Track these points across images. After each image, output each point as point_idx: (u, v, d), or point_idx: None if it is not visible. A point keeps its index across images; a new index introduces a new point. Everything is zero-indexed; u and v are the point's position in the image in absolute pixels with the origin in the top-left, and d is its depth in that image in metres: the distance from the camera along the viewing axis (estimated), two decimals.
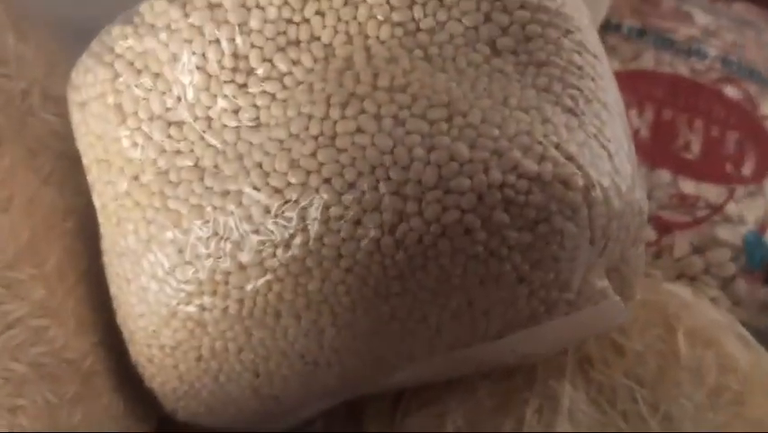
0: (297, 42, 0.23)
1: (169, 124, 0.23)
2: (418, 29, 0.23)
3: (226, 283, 0.23)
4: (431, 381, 0.29)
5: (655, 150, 0.37)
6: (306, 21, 0.23)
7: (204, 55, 0.23)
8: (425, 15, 0.23)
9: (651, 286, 0.32)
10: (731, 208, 0.37)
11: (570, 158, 0.21)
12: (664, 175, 0.37)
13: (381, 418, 0.31)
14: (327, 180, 0.22)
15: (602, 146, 0.22)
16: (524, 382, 0.29)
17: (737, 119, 0.38)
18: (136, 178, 0.24)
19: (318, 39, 0.23)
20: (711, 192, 0.37)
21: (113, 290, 0.26)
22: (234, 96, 0.23)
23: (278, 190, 0.22)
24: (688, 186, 0.37)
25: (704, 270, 0.37)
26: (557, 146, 0.21)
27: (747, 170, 0.37)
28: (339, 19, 0.23)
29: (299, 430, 0.31)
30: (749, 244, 0.36)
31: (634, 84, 0.38)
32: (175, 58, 0.23)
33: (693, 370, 0.29)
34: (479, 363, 0.28)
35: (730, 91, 0.39)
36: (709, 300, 0.36)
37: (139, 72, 0.23)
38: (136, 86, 0.23)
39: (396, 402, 0.30)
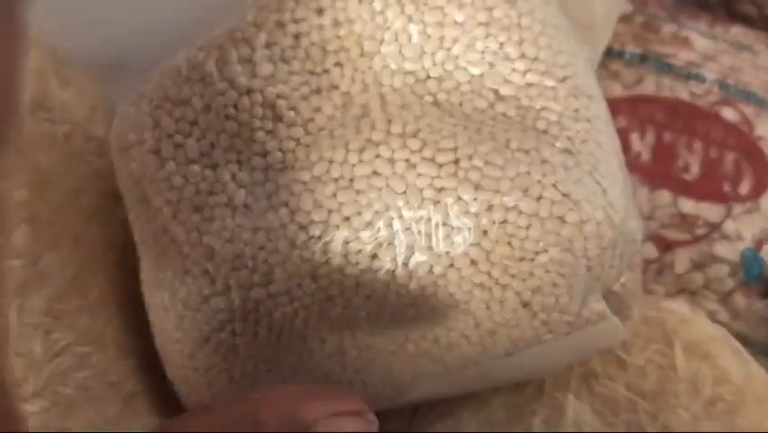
0: (319, 91, 0.25)
1: (204, 167, 0.25)
2: (428, 77, 0.25)
3: (257, 311, 0.25)
4: (443, 396, 0.30)
5: (656, 171, 0.39)
6: (327, 71, 0.25)
7: (235, 105, 0.25)
8: (434, 65, 0.25)
9: (651, 303, 0.33)
10: (729, 226, 0.38)
11: (566, 195, 0.23)
12: (665, 195, 0.38)
13: (399, 427, 0.32)
14: (347, 219, 0.24)
15: (596, 182, 0.24)
16: (532, 394, 0.31)
17: (734, 140, 0.40)
18: (174, 216, 0.25)
19: (337, 87, 0.25)
20: (710, 211, 0.38)
21: (152, 317, 0.27)
22: (263, 141, 0.25)
23: (302, 227, 0.24)
24: (687, 205, 0.38)
25: (704, 285, 0.38)
26: (554, 185, 0.23)
27: (744, 188, 0.39)
28: (356, 69, 0.25)
29: None
30: (746, 259, 0.38)
31: (636, 109, 0.40)
32: (208, 108, 0.25)
33: (690, 382, 0.30)
34: (489, 380, 0.29)
35: (727, 113, 0.40)
36: (709, 314, 0.37)
37: (176, 121, 0.25)
38: (174, 133, 0.25)
39: (413, 416, 0.32)
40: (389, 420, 0.32)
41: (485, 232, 0.23)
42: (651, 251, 0.38)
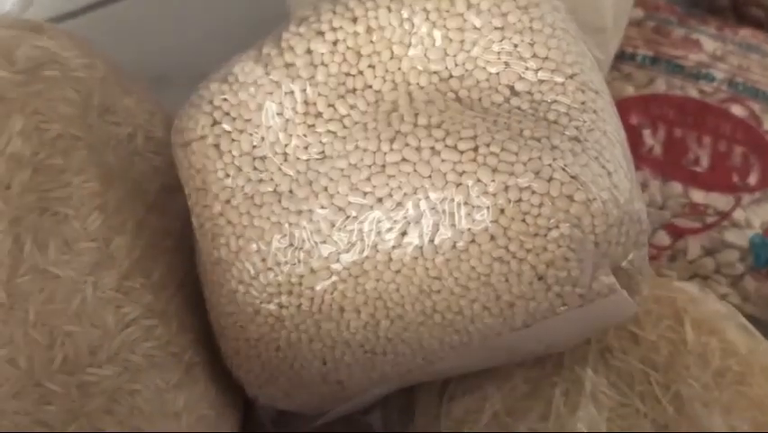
0: (354, 90, 0.27)
1: (255, 158, 0.28)
2: (450, 76, 0.27)
3: (300, 285, 0.27)
4: (472, 370, 0.32)
5: (668, 164, 0.41)
6: (361, 73, 0.28)
7: (281, 104, 0.28)
8: (456, 65, 0.27)
9: (663, 284, 0.35)
10: (738, 214, 0.40)
11: (574, 177, 0.25)
12: (676, 187, 0.40)
13: (430, 402, 0.34)
14: (380, 200, 0.26)
15: (602, 166, 0.26)
16: (552, 368, 0.32)
17: (743, 134, 0.41)
18: (228, 201, 0.28)
19: (370, 87, 0.28)
20: (720, 201, 0.40)
21: (206, 293, 0.30)
22: (305, 135, 0.27)
23: (340, 209, 0.27)
24: (698, 196, 0.40)
25: (715, 270, 0.40)
26: (563, 168, 0.25)
27: (753, 179, 0.40)
28: (387, 70, 0.28)
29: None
30: (755, 245, 0.39)
31: (647, 107, 0.42)
32: (260, 107, 0.28)
33: (699, 355, 0.32)
34: (510, 353, 0.31)
35: (736, 109, 0.42)
36: (721, 297, 0.39)
37: (233, 119, 0.28)
38: (230, 130, 0.28)
39: (443, 389, 0.34)
40: (420, 392, 0.34)
41: (502, 210, 0.25)
42: (664, 238, 0.40)
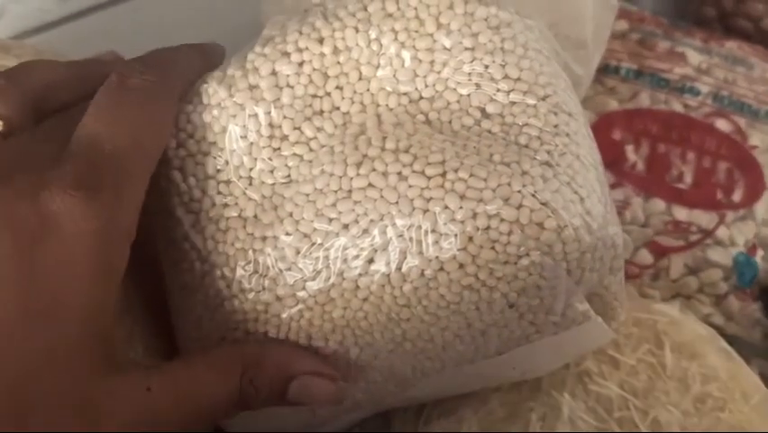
0: (321, 112, 0.27)
1: (219, 182, 0.27)
2: (420, 97, 0.27)
3: (266, 312, 0.27)
4: (446, 395, 0.32)
5: (651, 181, 0.40)
6: (328, 94, 0.27)
7: (245, 126, 0.27)
8: (426, 86, 0.27)
9: (643, 306, 0.35)
10: (722, 232, 0.39)
11: (544, 203, 0.25)
12: (659, 204, 0.40)
13: (406, 425, 0.33)
14: (345, 226, 0.25)
15: (574, 192, 0.25)
16: (530, 392, 0.32)
17: (728, 150, 0.41)
18: (193, 226, 0.28)
19: (338, 108, 0.27)
20: (703, 218, 0.39)
21: (173, 319, 0.29)
22: (270, 159, 0.27)
23: (306, 235, 0.26)
24: (681, 213, 0.40)
25: (698, 289, 0.39)
26: (533, 194, 0.25)
27: (737, 196, 0.40)
28: (355, 92, 0.27)
29: None
30: (739, 264, 0.39)
31: (631, 122, 0.41)
32: (224, 129, 0.27)
33: (680, 380, 0.32)
34: (485, 379, 0.31)
35: (721, 124, 0.42)
36: (704, 317, 0.39)
37: (198, 142, 0.27)
38: (195, 153, 0.27)
39: (419, 412, 0.33)
40: (396, 417, 0.34)
41: (470, 238, 0.25)
42: (646, 257, 0.39)
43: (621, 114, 0.42)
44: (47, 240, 0.22)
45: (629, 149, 0.41)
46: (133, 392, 0.24)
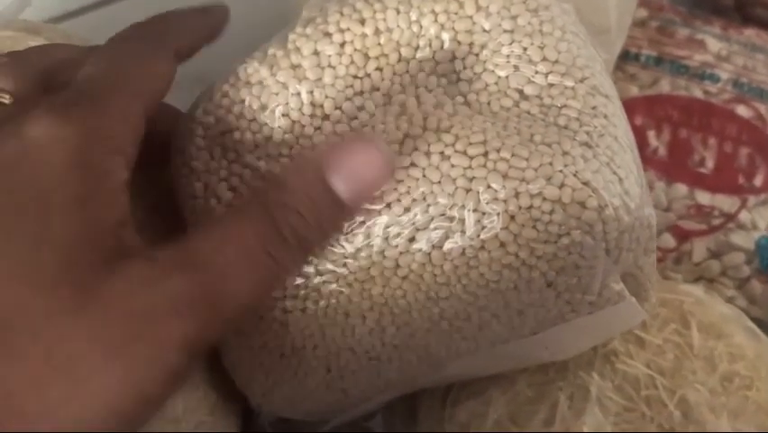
0: (361, 93, 0.27)
1: (259, 158, 0.27)
2: (459, 79, 0.27)
3: (306, 288, 0.27)
4: (477, 376, 0.32)
5: (673, 166, 0.40)
6: (368, 75, 0.27)
7: (287, 104, 0.27)
8: (465, 68, 0.27)
9: (669, 287, 0.35)
10: (744, 216, 0.40)
11: (585, 183, 0.25)
12: (681, 188, 0.40)
13: (434, 407, 0.34)
14: (388, 205, 0.26)
15: (613, 172, 0.26)
16: (557, 373, 0.32)
17: (748, 135, 0.41)
18: (231, 205, 0.28)
19: (378, 89, 0.27)
20: (725, 202, 0.40)
21: None
22: (311, 137, 0.27)
23: None
24: (703, 197, 0.40)
25: (721, 272, 0.40)
26: (575, 174, 0.25)
27: (758, 181, 0.40)
28: (394, 73, 0.27)
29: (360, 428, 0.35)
30: (761, 248, 0.39)
31: (652, 108, 0.42)
32: (263, 107, 0.27)
33: (706, 359, 0.32)
34: (517, 359, 0.31)
35: (741, 110, 0.42)
36: (727, 300, 0.39)
37: (237, 119, 0.27)
38: (233, 129, 0.27)
39: (446, 394, 0.33)
40: (423, 398, 0.34)
41: (512, 217, 0.25)
42: (669, 241, 0.40)
43: (642, 100, 0.42)
44: (26, 154, 0.22)
45: (651, 134, 0.41)
46: (138, 269, 0.22)
